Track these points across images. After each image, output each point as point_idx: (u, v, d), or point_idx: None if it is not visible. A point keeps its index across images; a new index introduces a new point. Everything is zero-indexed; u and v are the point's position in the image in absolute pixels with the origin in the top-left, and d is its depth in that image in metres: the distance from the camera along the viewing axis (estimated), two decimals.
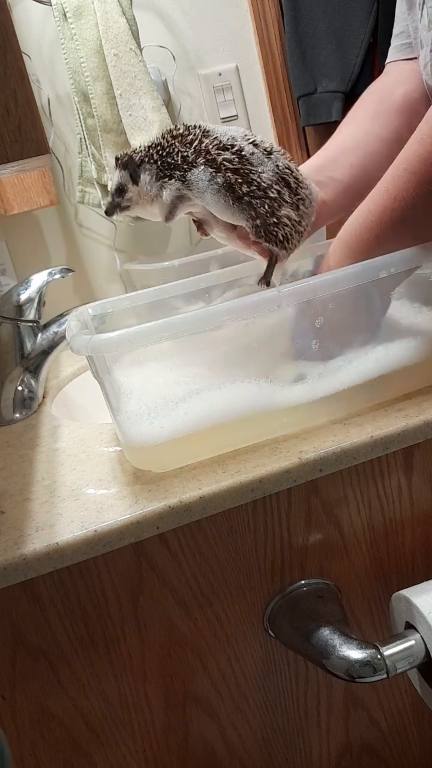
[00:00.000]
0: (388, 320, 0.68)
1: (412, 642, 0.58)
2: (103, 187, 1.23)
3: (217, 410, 0.62)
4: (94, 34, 1.16)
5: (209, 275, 0.82)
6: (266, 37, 1.32)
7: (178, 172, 0.67)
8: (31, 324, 0.91)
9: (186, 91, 1.33)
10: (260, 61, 1.34)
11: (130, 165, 0.68)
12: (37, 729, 0.63)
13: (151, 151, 0.68)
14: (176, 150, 0.67)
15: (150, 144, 0.69)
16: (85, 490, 0.64)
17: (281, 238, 0.69)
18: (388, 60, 0.91)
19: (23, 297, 0.91)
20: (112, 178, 0.71)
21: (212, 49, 1.32)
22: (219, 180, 0.66)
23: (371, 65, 1.26)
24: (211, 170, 0.66)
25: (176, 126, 0.69)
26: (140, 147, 0.70)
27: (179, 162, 0.67)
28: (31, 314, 0.91)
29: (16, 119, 1.11)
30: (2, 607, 0.59)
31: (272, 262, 0.71)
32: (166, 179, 0.67)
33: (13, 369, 0.91)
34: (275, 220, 0.68)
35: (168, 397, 0.62)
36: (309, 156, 1.40)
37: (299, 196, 0.69)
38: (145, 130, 1.16)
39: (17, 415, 0.90)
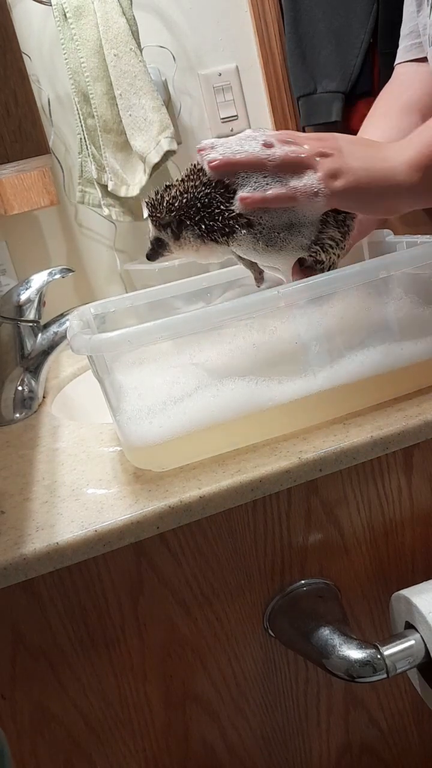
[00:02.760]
0: (388, 320, 0.68)
1: (412, 642, 0.58)
2: (103, 187, 1.24)
3: (216, 409, 0.62)
4: (94, 34, 1.16)
5: (209, 275, 0.82)
6: (266, 37, 1.33)
7: (221, 237, 0.64)
8: (31, 324, 0.91)
9: (186, 91, 1.33)
10: (260, 61, 1.34)
11: (172, 226, 0.65)
12: (37, 729, 0.63)
13: (185, 201, 0.63)
14: (215, 206, 0.63)
15: (179, 191, 0.64)
16: (85, 490, 0.64)
17: (325, 260, 0.67)
18: (397, 61, 0.91)
19: (23, 297, 0.91)
20: (148, 231, 0.67)
21: (212, 49, 1.32)
22: (261, 245, 0.64)
23: (371, 65, 1.26)
24: (252, 237, 0.63)
25: (199, 167, 0.64)
26: (170, 194, 0.64)
27: (221, 226, 0.63)
28: (31, 314, 0.91)
29: (16, 119, 1.11)
30: (2, 607, 0.59)
31: None
32: (212, 242, 0.64)
33: (13, 369, 0.91)
34: (319, 247, 0.66)
35: (168, 396, 0.63)
36: None
37: (340, 216, 0.66)
38: (145, 130, 1.16)
39: (17, 415, 0.90)
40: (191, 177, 0.65)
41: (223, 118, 1.35)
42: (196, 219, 0.64)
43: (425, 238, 0.71)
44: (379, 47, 1.23)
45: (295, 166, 0.63)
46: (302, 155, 0.63)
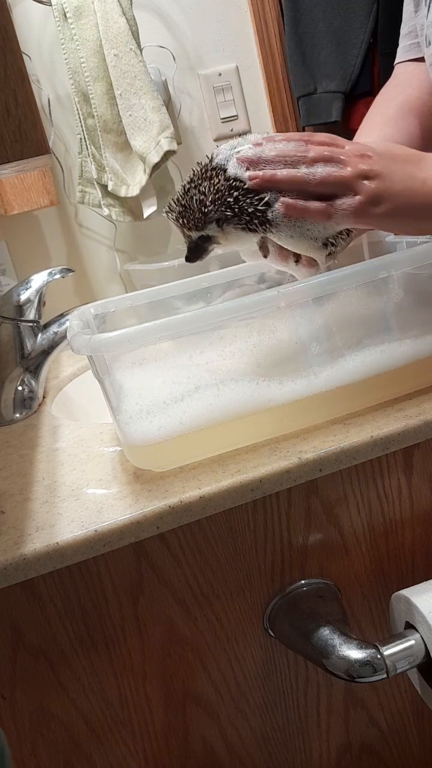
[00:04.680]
0: (388, 320, 0.68)
1: (412, 642, 0.58)
2: (103, 187, 1.24)
3: (216, 409, 0.62)
4: (94, 34, 1.16)
5: (209, 275, 0.82)
6: (266, 37, 1.33)
7: (261, 225, 0.64)
8: (31, 324, 0.91)
9: (186, 91, 1.33)
10: (260, 61, 1.34)
11: (217, 221, 0.65)
12: (37, 729, 0.63)
13: (218, 197, 0.64)
14: (249, 199, 0.64)
15: (207, 189, 0.64)
16: (85, 490, 0.64)
17: (337, 250, 0.67)
18: (397, 60, 0.91)
19: (23, 297, 0.91)
20: (189, 232, 0.67)
21: (212, 49, 1.32)
22: (297, 232, 0.64)
23: (371, 65, 1.26)
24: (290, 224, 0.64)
25: (232, 179, 0.64)
26: (199, 194, 0.64)
27: (260, 216, 0.64)
28: (31, 314, 0.91)
29: (16, 119, 1.11)
30: (2, 607, 0.59)
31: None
32: (252, 232, 0.65)
33: (13, 369, 0.91)
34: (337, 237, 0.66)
35: (168, 396, 0.63)
36: None
37: None
38: (145, 130, 1.16)
39: (17, 415, 0.90)
40: (211, 175, 0.64)
41: (223, 118, 1.35)
42: (237, 210, 0.64)
43: (425, 238, 0.71)
44: (379, 47, 1.24)
45: (336, 187, 0.63)
46: (344, 176, 0.62)
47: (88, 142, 1.22)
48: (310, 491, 0.63)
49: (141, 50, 1.16)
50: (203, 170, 0.65)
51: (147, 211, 1.23)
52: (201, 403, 0.62)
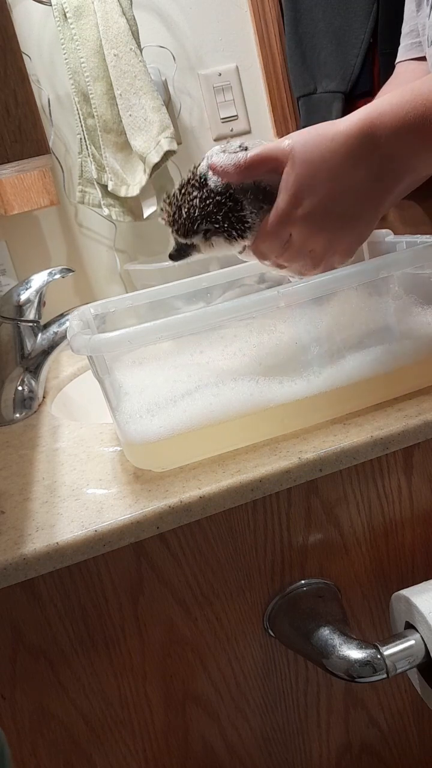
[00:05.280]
0: (388, 320, 0.68)
1: (412, 642, 0.58)
2: (103, 187, 1.24)
3: (216, 409, 0.62)
4: (94, 34, 1.16)
5: (209, 275, 0.82)
6: (266, 37, 1.33)
7: (246, 233, 0.66)
8: (31, 324, 0.91)
9: (186, 91, 1.33)
10: (260, 61, 1.34)
11: (202, 234, 0.66)
12: (37, 729, 0.63)
13: (204, 212, 0.65)
14: (235, 209, 0.65)
15: (196, 202, 0.65)
16: (85, 490, 0.64)
17: None
18: (398, 59, 0.91)
19: (23, 297, 0.91)
20: (176, 236, 0.69)
21: (212, 49, 1.32)
22: None
23: (371, 65, 1.26)
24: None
25: (202, 177, 0.65)
26: (187, 206, 0.66)
27: (243, 227, 0.65)
28: (31, 314, 0.91)
29: (16, 119, 1.12)
30: (2, 607, 0.59)
31: None
32: (239, 239, 0.66)
33: (13, 369, 0.91)
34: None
35: (167, 396, 0.63)
36: None
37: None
38: (145, 130, 1.16)
39: (17, 415, 0.90)
40: (201, 184, 0.65)
41: (223, 118, 1.35)
42: (224, 224, 0.65)
43: (425, 238, 0.71)
44: (379, 47, 1.23)
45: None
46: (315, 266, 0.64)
47: (88, 142, 1.22)
48: (310, 491, 0.63)
49: (141, 50, 1.16)
50: (192, 175, 0.66)
51: (147, 211, 1.23)
52: (201, 403, 0.62)
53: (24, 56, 1.15)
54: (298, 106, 1.33)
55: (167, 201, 0.67)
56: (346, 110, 1.28)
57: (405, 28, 0.90)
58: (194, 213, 0.65)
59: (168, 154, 1.16)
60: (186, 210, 0.65)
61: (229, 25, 1.32)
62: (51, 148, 1.24)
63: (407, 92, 0.58)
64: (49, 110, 1.26)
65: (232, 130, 1.36)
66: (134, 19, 1.16)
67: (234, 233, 0.65)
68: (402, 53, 0.90)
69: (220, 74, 1.33)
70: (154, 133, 1.16)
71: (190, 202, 0.65)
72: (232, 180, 0.63)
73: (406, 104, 0.57)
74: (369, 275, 0.64)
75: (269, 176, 0.63)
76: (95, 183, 1.24)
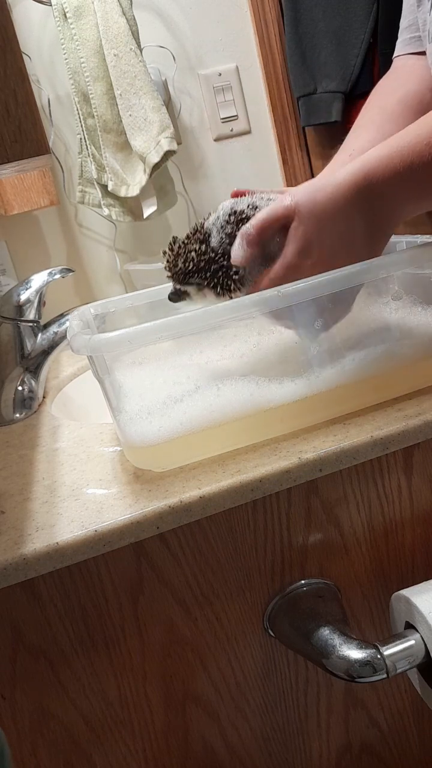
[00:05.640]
0: (388, 320, 0.68)
1: (412, 642, 0.58)
2: (103, 187, 1.24)
3: (216, 410, 0.62)
4: (94, 34, 1.16)
5: None
6: (266, 37, 1.33)
7: (236, 291, 0.68)
8: (31, 324, 0.91)
9: (186, 91, 1.33)
10: (260, 61, 1.34)
11: (193, 286, 0.69)
12: (37, 729, 0.63)
13: (198, 267, 0.67)
14: (225, 271, 0.67)
15: (193, 255, 0.68)
16: (85, 490, 0.64)
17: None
18: (396, 54, 0.90)
19: (23, 297, 0.91)
20: (174, 281, 0.71)
21: (212, 49, 1.32)
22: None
23: (371, 65, 1.26)
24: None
25: (217, 253, 0.67)
26: (184, 258, 0.68)
27: (232, 286, 0.68)
28: (31, 314, 0.91)
29: (16, 119, 1.12)
30: (2, 607, 0.59)
31: None
32: (227, 295, 0.68)
33: (13, 369, 0.91)
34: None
35: (168, 396, 0.63)
36: (309, 156, 1.40)
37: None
38: (145, 130, 1.16)
39: (17, 415, 0.90)
40: (204, 239, 0.68)
41: (223, 118, 1.35)
42: (213, 281, 0.67)
43: (425, 238, 0.71)
44: (379, 47, 1.23)
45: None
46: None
47: (88, 142, 1.22)
48: (310, 491, 0.63)
49: (141, 50, 1.16)
50: (198, 228, 0.68)
51: (147, 211, 1.23)
52: (201, 403, 0.62)
53: (24, 56, 1.15)
54: (298, 106, 1.33)
55: (170, 247, 0.69)
56: (346, 110, 1.28)
57: (404, 22, 0.89)
58: (188, 267, 0.68)
59: (168, 154, 1.16)
60: (182, 261, 0.68)
61: (229, 25, 1.32)
62: (51, 148, 1.24)
63: (396, 142, 0.64)
64: (49, 110, 1.26)
65: (232, 130, 1.36)
66: (134, 19, 1.16)
67: (224, 291, 0.67)
68: (400, 47, 0.89)
69: (220, 74, 1.33)
70: (154, 133, 1.16)
71: (187, 254, 0.68)
72: (253, 252, 0.65)
73: (394, 156, 0.62)
74: (369, 275, 0.64)
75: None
76: (95, 183, 1.24)
